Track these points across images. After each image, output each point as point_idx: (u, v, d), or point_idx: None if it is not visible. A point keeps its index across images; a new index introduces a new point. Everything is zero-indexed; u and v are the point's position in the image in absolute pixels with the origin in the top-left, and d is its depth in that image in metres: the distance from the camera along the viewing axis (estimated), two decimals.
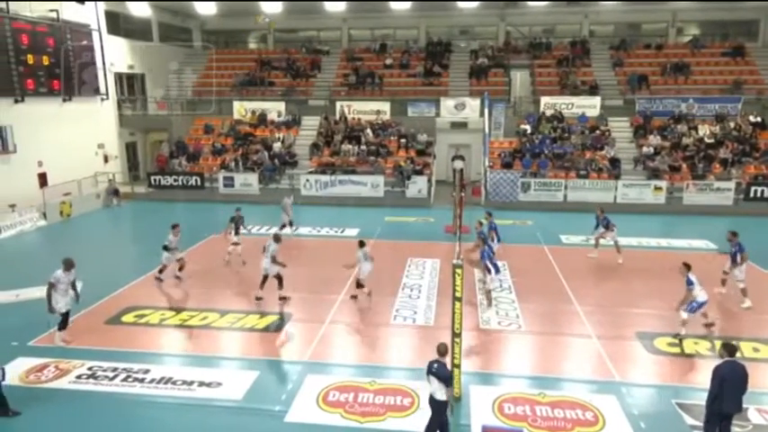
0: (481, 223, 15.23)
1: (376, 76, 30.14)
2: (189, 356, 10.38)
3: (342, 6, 28.92)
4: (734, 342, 9.76)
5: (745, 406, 7.38)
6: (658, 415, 8.41)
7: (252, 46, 36.23)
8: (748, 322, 11.86)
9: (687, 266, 10.93)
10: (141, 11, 28.54)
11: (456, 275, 8.20)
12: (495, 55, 30.85)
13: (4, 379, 8.28)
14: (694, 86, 27.91)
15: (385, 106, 28.54)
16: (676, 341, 10.73)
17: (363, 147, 26.30)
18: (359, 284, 12.97)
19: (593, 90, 28.08)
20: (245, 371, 9.72)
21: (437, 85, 29.73)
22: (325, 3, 28.09)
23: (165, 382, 9.25)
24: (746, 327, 11.64)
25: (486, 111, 26.22)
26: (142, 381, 9.30)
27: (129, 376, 9.42)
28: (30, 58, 21.47)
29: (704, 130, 25.43)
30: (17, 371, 9.52)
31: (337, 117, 28.33)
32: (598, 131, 26.10)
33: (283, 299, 12.62)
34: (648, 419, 8.25)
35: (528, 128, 26.63)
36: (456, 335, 8.35)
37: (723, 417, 7.04)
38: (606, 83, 28.93)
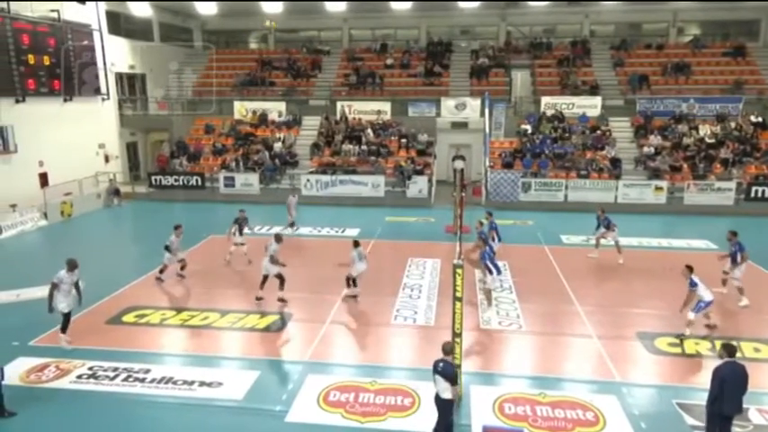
0: (482, 223, 15.23)
1: (377, 76, 30.15)
2: (189, 356, 10.39)
3: (342, 6, 28.92)
4: (734, 342, 9.79)
5: (745, 406, 7.37)
6: (659, 415, 8.41)
7: (252, 46, 36.25)
8: (749, 322, 11.86)
9: (690, 268, 10.92)
10: (142, 11, 28.54)
11: (456, 275, 8.20)
12: (495, 55, 30.84)
13: (3, 378, 8.29)
14: (695, 86, 27.89)
15: (386, 106, 28.54)
16: (677, 341, 10.72)
17: (364, 147, 26.30)
18: (348, 282, 12.97)
19: (593, 90, 28.06)
20: (246, 371, 9.72)
21: (438, 85, 29.73)
22: (326, 3, 28.09)
23: (166, 382, 9.25)
24: (747, 327, 11.64)
25: (487, 111, 26.22)
26: (143, 381, 9.30)
27: (129, 376, 9.43)
28: (31, 58, 21.48)
29: (705, 130, 25.41)
30: (18, 371, 9.54)
31: (338, 117, 28.33)
32: (599, 131, 26.09)
33: (282, 300, 12.56)
34: (649, 420, 8.25)
35: (528, 128, 26.62)
36: (456, 335, 8.35)
37: (724, 418, 7.04)
38: (607, 83, 28.92)
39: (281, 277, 12.48)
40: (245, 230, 15.91)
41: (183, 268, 14.31)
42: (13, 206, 19.86)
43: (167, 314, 12.20)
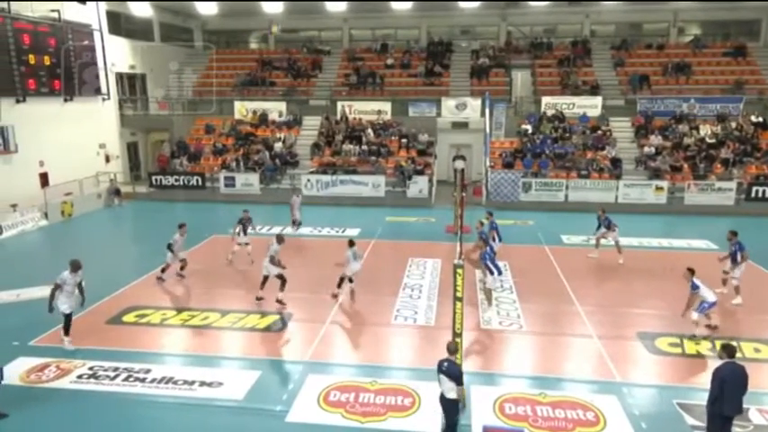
0: (482, 223, 15.23)
1: (377, 76, 30.15)
2: (190, 356, 10.39)
3: (343, 6, 28.92)
4: (734, 342, 9.78)
5: (746, 406, 7.37)
6: (659, 415, 8.40)
7: (253, 46, 36.26)
8: (749, 322, 11.86)
9: (691, 271, 10.90)
10: (142, 11, 28.55)
11: (457, 275, 8.20)
12: (496, 55, 30.84)
13: (2, 378, 8.29)
14: (696, 86, 27.88)
15: (386, 106, 28.54)
16: (678, 341, 10.72)
17: (364, 147, 26.30)
18: (341, 282, 12.97)
19: (594, 90, 28.05)
20: (247, 371, 9.73)
21: (438, 85, 29.73)
22: (326, 3, 28.10)
23: (167, 382, 9.25)
24: (747, 327, 11.63)
25: (487, 111, 26.22)
26: (143, 380, 9.31)
27: (130, 376, 9.43)
28: (31, 59, 21.47)
29: (705, 130, 25.40)
30: (18, 370, 9.55)
31: (338, 117, 28.34)
32: (599, 131, 26.08)
33: (279, 302, 12.48)
34: (649, 420, 8.25)
35: (529, 128, 26.61)
36: (457, 335, 8.35)
37: (724, 418, 7.03)
38: (607, 83, 28.92)
39: (282, 278, 12.44)
40: (249, 230, 15.95)
41: (182, 268, 14.32)
42: (14, 206, 19.86)
43: (168, 314, 12.20)
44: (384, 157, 25.81)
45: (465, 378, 8.70)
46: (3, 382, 8.61)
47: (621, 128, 26.78)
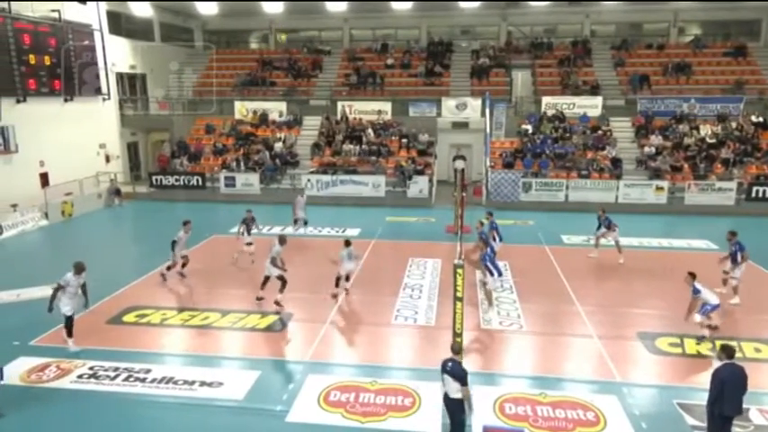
0: (482, 223, 15.22)
1: (377, 76, 30.14)
2: (190, 356, 10.39)
3: (343, 6, 28.93)
4: (734, 343, 9.78)
5: (746, 406, 7.37)
6: (660, 415, 8.40)
7: (253, 46, 36.26)
8: (749, 323, 11.85)
9: (692, 275, 10.90)
10: (143, 11, 28.56)
11: (457, 275, 8.20)
12: (496, 55, 30.84)
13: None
14: (696, 86, 27.87)
15: (386, 106, 28.53)
16: (678, 341, 10.73)
17: (365, 147, 26.30)
18: (338, 282, 13.06)
19: (594, 90, 28.05)
20: (247, 371, 9.73)
21: (438, 85, 29.73)
22: (327, 3, 28.09)
23: (167, 382, 9.26)
24: (747, 327, 11.62)
25: (488, 111, 26.22)
26: (143, 380, 9.31)
27: (130, 376, 9.44)
28: (31, 59, 21.48)
29: (706, 130, 25.39)
30: (18, 370, 9.55)
31: (338, 117, 28.34)
32: (599, 131, 26.07)
33: (277, 304, 12.43)
34: (650, 420, 8.25)
35: (529, 128, 26.61)
36: (457, 335, 8.35)
37: (724, 418, 7.03)
38: (607, 83, 28.91)
39: (282, 279, 12.41)
40: (253, 230, 16.01)
41: (184, 266, 14.34)
42: (14, 206, 19.88)
43: (168, 314, 12.20)
44: (384, 157, 25.81)
45: None
46: (3, 382, 8.61)
47: (622, 128, 26.77)
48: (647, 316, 12.11)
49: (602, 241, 16.20)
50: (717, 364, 7.20)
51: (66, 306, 10.21)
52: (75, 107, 23.91)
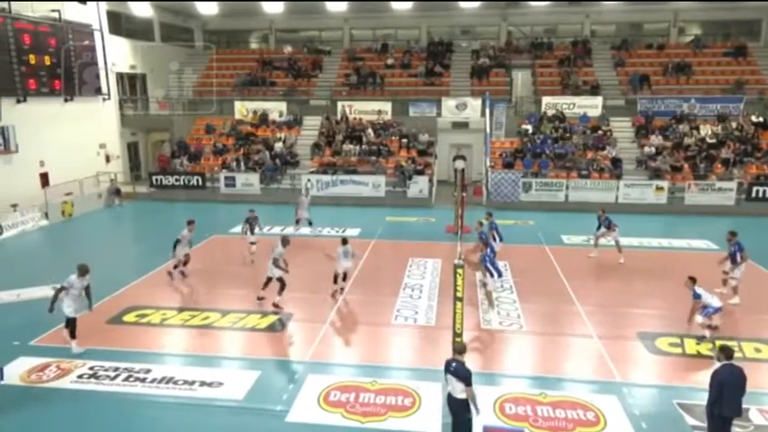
0: (481, 223, 15.21)
1: (377, 76, 30.14)
2: (190, 356, 10.39)
3: (343, 6, 28.94)
4: (735, 343, 9.79)
5: (746, 406, 7.37)
6: (660, 415, 8.40)
7: (253, 46, 36.26)
8: (749, 323, 11.84)
9: (693, 280, 10.92)
10: (143, 11, 28.57)
11: (457, 275, 8.21)
12: (496, 55, 30.83)
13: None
14: (696, 86, 27.87)
15: (386, 106, 28.53)
16: (678, 341, 10.74)
17: (365, 147, 26.30)
18: (335, 279, 13.20)
19: (594, 90, 28.05)
20: (247, 371, 9.73)
21: (438, 85, 29.73)
22: (327, 3, 28.10)
23: (167, 382, 9.26)
24: (747, 327, 11.62)
25: (488, 111, 26.22)
26: (143, 380, 9.31)
27: (130, 376, 9.44)
28: (32, 59, 21.47)
29: (706, 130, 25.38)
30: (19, 370, 9.56)
31: (339, 117, 28.34)
32: (600, 131, 26.07)
33: (276, 306, 12.39)
34: (650, 420, 8.25)
35: (529, 128, 26.61)
36: (457, 335, 8.36)
37: (724, 419, 7.02)
38: (608, 83, 28.91)
39: (281, 282, 12.39)
40: (256, 230, 16.09)
41: (185, 264, 14.37)
42: (14, 206, 19.88)
43: (168, 314, 12.20)
44: (384, 157, 25.81)
45: None
46: (3, 382, 8.61)
47: (622, 128, 26.77)
48: (647, 316, 12.10)
49: (602, 241, 16.21)
50: (716, 365, 7.20)
51: (69, 308, 10.19)
52: (76, 107, 23.91)
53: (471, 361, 9.73)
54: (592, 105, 27.36)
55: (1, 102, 20.14)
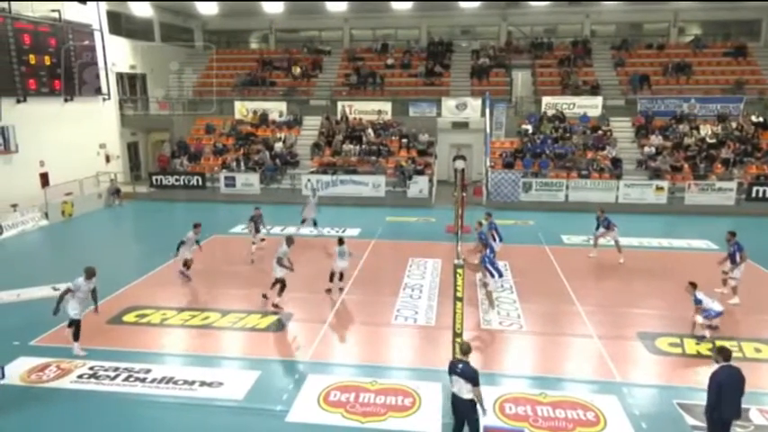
0: (481, 224, 15.24)
1: (377, 76, 30.15)
2: (190, 356, 10.39)
3: (343, 6, 28.94)
4: (734, 343, 9.79)
5: (747, 407, 7.37)
6: (660, 415, 8.40)
7: (253, 46, 36.26)
8: (749, 322, 11.84)
9: (693, 285, 10.93)
10: (143, 11, 28.57)
11: (457, 275, 8.21)
12: (496, 55, 30.83)
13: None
14: (696, 86, 27.87)
15: (386, 106, 28.53)
16: (678, 341, 10.74)
17: (365, 147, 26.30)
18: (332, 277, 13.31)
19: (594, 90, 28.05)
20: (247, 371, 9.73)
21: (438, 85, 29.73)
22: (327, 3, 28.10)
23: (167, 382, 9.26)
24: (747, 327, 11.62)
25: (488, 111, 26.23)
26: (143, 380, 9.31)
27: (130, 376, 9.44)
28: (32, 59, 21.47)
29: (706, 130, 25.38)
30: (18, 370, 9.56)
31: (339, 117, 28.34)
32: (600, 131, 26.07)
33: (276, 306, 12.40)
34: (650, 420, 8.25)
35: (529, 128, 26.61)
36: (457, 335, 8.36)
37: (723, 423, 7.00)
38: (608, 83, 28.91)
39: (282, 282, 12.40)
40: (261, 229, 16.19)
41: (188, 267, 14.36)
42: (14, 206, 19.88)
43: (168, 314, 12.20)
44: (384, 157, 25.81)
45: None
46: (4, 381, 8.61)
47: (622, 128, 26.77)
48: (647, 316, 12.10)
49: (602, 241, 16.21)
50: (714, 366, 7.18)
51: (74, 310, 10.16)
52: (76, 107, 23.91)
53: (471, 361, 9.74)
54: (592, 105, 27.36)
55: (1, 102, 20.14)
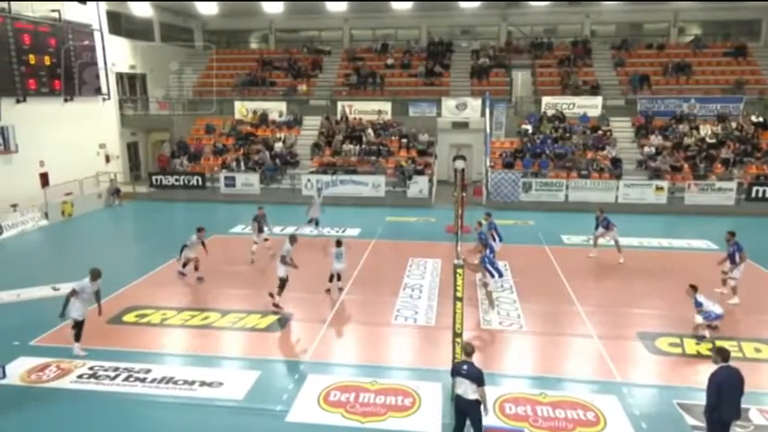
0: (480, 224, 15.24)
1: (377, 76, 30.15)
2: (190, 356, 10.39)
3: (343, 6, 28.94)
4: (734, 343, 9.78)
5: (746, 407, 7.36)
6: (659, 415, 8.40)
7: (253, 46, 36.26)
8: (749, 322, 11.84)
9: (694, 288, 10.94)
10: (143, 11, 28.57)
11: (457, 275, 8.20)
12: (496, 55, 30.84)
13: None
14: (696, 86, 27.87)
15: (386, 106, 28.54)
16: (678, 341, 10.74)
17: (365, 147, 26.30)
18: (331, 278, 13.39)
19: (594, 90, 28.05)
20: (247, 370, 9.72)
21: (438, 84, 29.73)
22: (327, 3, 28.10)
23: (167, 382, 9.26)
24: (747, 327, 11.62)
25: (488, 111, 26.23)
26: (143, 380, 9.31)
27: (130, 376, 9.44)
28: (31, 59, 21.47)
29: (706, 130, 25.39)
30: (19, 370, 9.55)
31: (338, 117, 28.34)
32: (599, 131, 26.08)
33: (276, 306, 12.39)
34: (650, 420, 8.24)
35: (529, 128, 26.61)
36: (457, 335, 8.35)
37: (723, 424, 7.00)
38: (608, 83, 28.91)
39: (283, 281, 12.40)
40: (265, 228, 16.21)
41: (184, 265, 14.40)
42: (14, 206, 19.87)
43: (168, 314, 12.20)
44: (384, 157, 25.81)
45: None
46: (5, 381, 8.61)
47: (622, 128, 26.77)
48: (647, 316, 12.10)
49: (602, 241, 16.21)
50: (714, 366, 7.18)
51: (77, 311, 10.14)
52: (75, 107, 23.90)
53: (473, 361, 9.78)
54: (592, 105, 27.36)
55: (1, 102, 20.13)
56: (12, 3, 20.50)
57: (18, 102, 20.98)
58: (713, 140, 24.70)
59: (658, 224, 20.74)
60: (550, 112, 27.28)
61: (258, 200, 23.54)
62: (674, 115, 26.45)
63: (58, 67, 22.74)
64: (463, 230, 14.49)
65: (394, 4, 28.78)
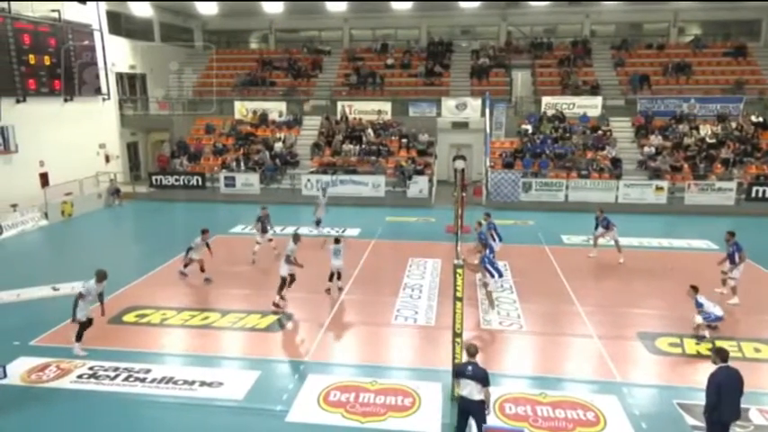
0: (480, 224, 15.24)
1: (377, 76, 30.15)
2: (190, 356, 10.39)
3: (343, 6, 28.93)
4: (734, 343, 9.78)
5: (746, 407, 7.36)
6: (660, 415, 8.40)
7: (253, 46, 36.27)
8: (749, 322, 11.84)
9: (695, 289, 10.95)
10: (143, 11, 28.56)
11: (457, 275, 8.21)
12: (496, 55, 30.84)
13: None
14: (696, 86, 27.87)
15: (386, 106, 28.53)
16: (678, 341, 10.74)
17: (364, 147, 26.30)
18: (330, 277, 13.38)
19: (594, 90, 28.05)
20: (247, 371, 9.73)
21: (438, 85, 29.73)
22: (327, 3, 28.10)
23: (167, 382, 9.26)
24: (747, 327, 11.62)
25: (488, 111, 26.23)
26: (143, 380, 9.31)
27: (130, 376, 9.44)
28: (31, 59, 21.46)
29: (706, 130, 25.39)
30: (18, 370, 9.56)
31: (338, 117, 28.34)
32: (599, 131, 26.08)
33: (276, 306, 12.42)
34: (650, 420, 8.25)
35: (529, 128, 26.61)
36: (457, 335, 8.35)
37: (723, 424, 7.00)
38: (607, 83, 28.91)
39: (283, 281, 12.40)
40: (268, 228, 16.17)
41: (186, 266, 14.40)
42: (14, 206, 19.87)
43: (168, 314, 12.20)
44: (384, 157, 25.81)
45: None
46: (5, 381, 8.61)
47: (622, 128, 26.77)
48: (647, 316, 12.10)
49: (602, 241, 16.21)
50: (714, 367, 7.18)
51: (81, 312, 10.15)
52: (75, 107, 23.90)
53: None
54: (592, 105, 27.36)
55: (1, 102, 20.12)
56: (12, 3, 20.49)
57: (18, 102, 20.98)
58: (713, 140, 24.70)
59: (658, 224, 20.74)
60: (550, 112, 27.28)
61: (258, 200, 23.56)
62: (673, 115, 26.45)
63: (57, 67, 22.73)
64: (463, 230, 14.50)
65: (394, 4, 28.78)
